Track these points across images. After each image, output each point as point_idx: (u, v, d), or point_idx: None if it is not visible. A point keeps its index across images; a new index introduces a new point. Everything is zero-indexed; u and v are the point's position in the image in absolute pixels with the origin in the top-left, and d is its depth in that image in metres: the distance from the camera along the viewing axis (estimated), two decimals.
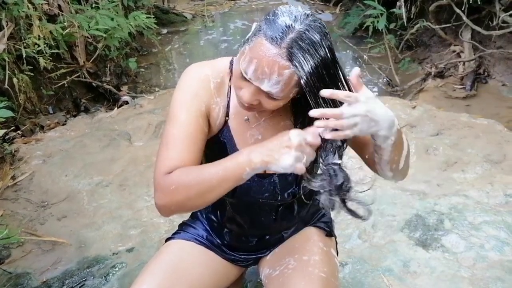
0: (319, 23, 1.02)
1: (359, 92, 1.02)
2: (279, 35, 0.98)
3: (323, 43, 1.00)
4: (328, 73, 1.02)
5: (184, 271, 1.32)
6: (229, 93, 1.24)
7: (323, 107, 1.03)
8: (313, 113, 1.00)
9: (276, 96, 1.05)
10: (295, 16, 1.00)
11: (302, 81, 1.00)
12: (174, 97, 1.21)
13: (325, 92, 0.99)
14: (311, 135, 1.01)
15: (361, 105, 1.00)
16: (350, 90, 1.05)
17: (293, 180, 1.31)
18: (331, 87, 1.02)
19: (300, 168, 1.00)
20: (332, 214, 1.60)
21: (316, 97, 1.01)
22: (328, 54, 1.01)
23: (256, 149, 1.04)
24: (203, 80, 1.21)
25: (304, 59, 0.98)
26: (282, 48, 0.98)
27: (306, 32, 0.99)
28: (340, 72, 1.05)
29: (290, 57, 0.98)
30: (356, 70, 1.01)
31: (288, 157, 0.99)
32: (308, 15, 1.02)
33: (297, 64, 0.98)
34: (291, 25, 0.99)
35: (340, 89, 1.04)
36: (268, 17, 1.03)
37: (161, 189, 1.11)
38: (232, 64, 1.25)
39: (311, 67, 0.99)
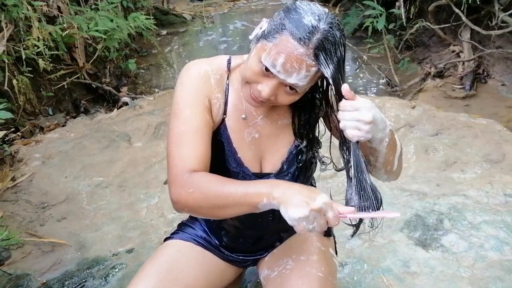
0: (337, 20, 1.06)
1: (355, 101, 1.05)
2: (306, 35, 1.00)
3: (341, 40, 1.05)
4: (344, 67, 1.07)
5: (180, 272, 1.32)
6: (227, 90, 1.24)
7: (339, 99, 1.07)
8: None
9: (300, 89, 1.07)
10: (318, 16, 1.03)
11: (330, 79, 1.03)
12: (177, 94, 1.21)
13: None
14: (334, 214, 1.03)
15: (366, 113, 1.03)
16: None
17: (290, 179, 1.31)
18: (344, 77, 1.06)
19: (301, 228, 1.02)
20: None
21: (338, 90, 1.05)
22: (344, 51, 1.06)
23: (282, 185, 1.06)
24: (204, 76, 1.22)
25: (329, 58, 1.02)
26: (310, 48, 1.01)
27: (330, 31, 1.02)
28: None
29: (317, 57, 1.02)
30: (345, 86, 1.04)
31: (299, 212, 1.00)
32: (327, 13, 1.05)
33: (322, 63, 1.02)
34: (317, 25, 1.01)
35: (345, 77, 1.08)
36: (291, 15, 1.04)
37: (180, 187, 1.12)
38: (230, 63, 1.26)
39: (335, 65, 1.03)
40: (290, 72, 1.03)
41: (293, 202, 1.01)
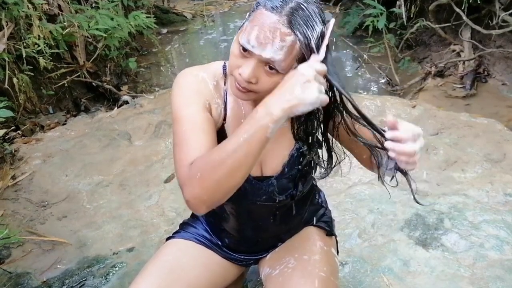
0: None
1: (405, 128, 1.04)
2: (279, 4, 0.99)
3: (321, 16, 1.02)
4: (328, 48, 1.03)
5: (182, 271, 1.32)
6: (225, 96, 1.22)
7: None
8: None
9: (278, 65, 1.02)
10: None
11: (304, 49, 1.00)
12: (175, 99, 1.17)
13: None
14: (317, 63, 1.00)
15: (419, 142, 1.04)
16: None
17: (291, 182, 1.30)
18: (326, 58, 1.03)
19: (325, 98, 0.98)
20: (333, 213, 1.61)
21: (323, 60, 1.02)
22: (324, 28, 1.03)
23: (270, 101, 0.98)
24: (202, 81, 1.19)
25: (305, 27, 0.99)
26: (283, 15, 0.99)
27: (305, 3, 1.00)
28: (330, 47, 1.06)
29: (291, 24, 0.99)
30: (390, 117, 1.03)
31: (313, 91, 0.96)
32: None
33: (298, 32, 0.99)
34: None
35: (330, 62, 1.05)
36: None
37: (188, 182, 1.02)
38: (225, 68, 1.23)
39: (315, 34, 1.00)
40: (264, 44, 0.99)
41: (298, 94, 0.96)
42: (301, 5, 1.00)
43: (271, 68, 1.04)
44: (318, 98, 0.96)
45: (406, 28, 4.82)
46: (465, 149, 2.86)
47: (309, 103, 0.96)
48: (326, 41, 1.04)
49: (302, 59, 1.03)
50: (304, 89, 0.95)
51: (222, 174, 0.99)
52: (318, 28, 1.01)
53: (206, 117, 1.14)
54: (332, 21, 1.07)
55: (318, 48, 1.02)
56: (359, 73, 4.82)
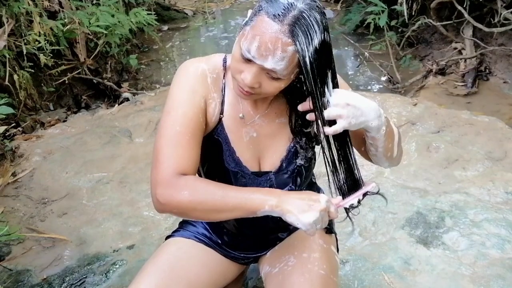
0: (318, 4, 1.03)
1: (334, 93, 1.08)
2: (281, 12, 0.98)
3: (323, 23, 1.02)
4: (326, 53, 1.03)
5: (181, 269, 1.32)
6: (223, 89, 1.23)
7: (319, 88, 1.05)
8: (301, 108, 1.12)
9: (280, 74, 1.04)
10: None
11: (301, 60, 1.00)
12: (172, 93, 1.19)
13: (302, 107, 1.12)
14: (335, 208, 1.09)
15: (339, 96, 1.07)
16: (335, 75, 1.09)
17: (290, 177, 1.31)
18: (327, 67, 1.05)
19: (313, 232, 1.05)
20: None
21: (314, 76, 1.02)
22: (326, 35, 1.02)
23: (280, 194, 1.07)
24: (201, 75, 1.21)
25: (306, 36, 0.99)
26: (284, 25, 0.98)
27: (307, 11, 0.99)
28: (332, 55, 1.07)
29: (292, 34, 0.98)
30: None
31: (311, 216, 1.03)
32: None
33: (299, 41, 0.99)
34: (293, 3, 0.99)
35: (332, 71, 1.07)
36: None
37: (170, 189, 1.08)
38: (226, 62, 1.24)
39: (313, 46, 0.99)
40: (265, 55, 1.00)
41: (299, 208, 1.04)
42: (304, 13, 0.99)
43: (273, 75, 1.05)
44: (310, 225, 1.04)
45: (408, 26, 4.81)
46: (466, 147, 2.85)
47: (301, 221, 1.04)
48: (359, 193, 1.15)
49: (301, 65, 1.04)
50: (306, 211, 1.04)
51: (203, 207, 1.08)
52: (317, 38, 1.00)
53: (199, 123, 1.17)
54: (373, 185, 1.16)
55: (312, 61, 1.00)
56: (360, 71, 4.81)
